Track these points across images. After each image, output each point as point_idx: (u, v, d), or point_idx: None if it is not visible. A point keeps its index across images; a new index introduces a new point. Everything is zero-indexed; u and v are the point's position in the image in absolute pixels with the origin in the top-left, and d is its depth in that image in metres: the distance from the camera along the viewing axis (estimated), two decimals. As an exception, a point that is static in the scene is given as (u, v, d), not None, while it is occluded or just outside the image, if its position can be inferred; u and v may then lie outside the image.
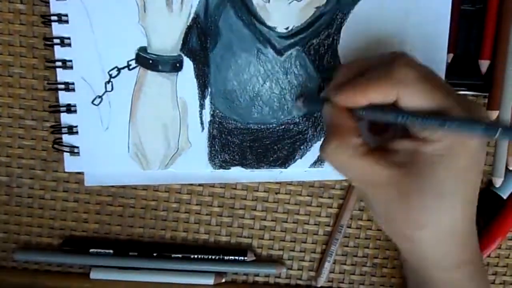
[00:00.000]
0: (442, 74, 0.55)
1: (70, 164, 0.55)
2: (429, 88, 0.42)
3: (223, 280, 0.60)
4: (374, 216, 0.49)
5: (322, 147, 0.45)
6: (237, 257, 0.59)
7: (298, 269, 0.61)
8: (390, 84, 0.42)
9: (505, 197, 0.59)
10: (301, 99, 0.53)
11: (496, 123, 0.38)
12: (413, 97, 0.42)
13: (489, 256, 0.61)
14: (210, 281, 0.59)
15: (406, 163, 0.43)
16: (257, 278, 0.61)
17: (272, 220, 0.59)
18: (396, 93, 0.42)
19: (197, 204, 0.59)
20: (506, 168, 0.57)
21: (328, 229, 0.60)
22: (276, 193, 0.59)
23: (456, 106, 0.41)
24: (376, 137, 0.50)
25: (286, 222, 0.60)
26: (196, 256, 0.59)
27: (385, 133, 0.49)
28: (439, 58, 0.55)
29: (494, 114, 0.56)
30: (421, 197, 0.43)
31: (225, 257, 0.59)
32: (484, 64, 0.56)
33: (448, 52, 0.55)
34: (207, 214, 0.59)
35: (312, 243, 0.60)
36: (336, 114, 0.45)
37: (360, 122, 0.46)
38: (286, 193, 0.59)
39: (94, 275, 0.59)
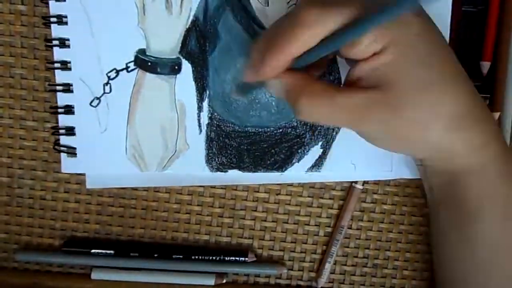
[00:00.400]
0: None
1: (68, 165, 0.56)
2: (334, 12, 0.40)
3: (224, 281, 0.60)
4: (383, 147, 0.48)
5: (295, 112, 0.44)
6: (237, 258, 0.59)
7: (299, 270, 0.61)
8: (300, 32, 0.41)
9: None
10: (234, 90, 0.54)
11: None
12: (326, 29, 0.41)
13: None
14: (211, 281, 0.59)
15: (375, 82, 0.43)
16: (258, 279, 0.61)
17: (272, 221, 0.60)
18: (312, 36, 0.41)
19: (198, 205, 0.60)
20: None
21: (329, 230, 0.60)
22: (277, 194, 0.59)
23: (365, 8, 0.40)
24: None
25: (287, 223, 0.60)
26: (197, 257, 0.59)
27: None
28: None
29: (495, 116, 0.56)
30: (407, 102, 0.43)
31: (226, 258, 0.59)
32: (486, 66, 0.56)
33: None
34: (207, 215, 0.60)
35: (313, 244, 0.61)
36: (286, 77, 0.44)
37: None
38: (286, 194, 0.60)
39: (95, 275, 0.59)
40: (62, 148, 0.56)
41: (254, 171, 0.57)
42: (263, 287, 0.62)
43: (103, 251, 0.59)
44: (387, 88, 0.42)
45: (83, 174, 0.57)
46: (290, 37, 0.42)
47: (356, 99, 0.43)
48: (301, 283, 0.62)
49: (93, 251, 0.59)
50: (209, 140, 0.56)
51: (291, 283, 0.62)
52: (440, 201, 0.53)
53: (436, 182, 0.52)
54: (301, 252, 0.61)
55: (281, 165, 0.57)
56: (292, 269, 0.61)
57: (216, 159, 0.56)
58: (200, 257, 0.59)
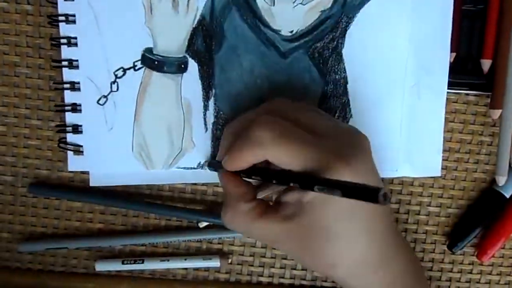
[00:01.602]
0: (445, 73, 0.58)
1: (74, 163, 0.58)
2: (285, 148, 0.45)
3: (230, 261, 0.63)
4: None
5: (221, 217, 0.51)
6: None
7: (302, 269, 0.63)
8: (250, 147, 0.46)
9: (508, 196, 0.61)
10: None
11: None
12: (273, 157, 0.46)
13: (493, 256, 0.63)
14: (217, 263, 0.62)
15: (295, 214, 0.47)
16: (261, 279, 0.63)
17: (276, 220, 0.62)
18: (262, 155, 0.46)
19: (201, 203, 0.62)
20: (510, 166, 0.59)
21: (332, 228, 0.63)
22: (280, 193, 0.62)
23: (317, 165, 0.44)
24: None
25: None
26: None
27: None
28: (441, 58, 0.58)
29: (497, 113, 0.59)
30: (319, 243, 0.47)
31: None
32: (486, 64, 0.58)
33: (451, 51, 0.58)
34: (211, 214, 0.62)
35: (316, 243, 0.63)
36: (226, 181, 0.50)
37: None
38: (289, 193, 0.62)
39: (99, 267, 0.62)
40: (68, 146, 0.58)
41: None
42: (267, 286, 0.64)
43: (107, 245, 0.62)
44: (302, 224, 0.47)
45: (87, 173, 0.59)
46: (244, 150, 0.47)
47: (274, 230, 0.48)
48: (305, 282, 0.64)
49: (97, 245, 0.62)
50: (215, 139, 0.58)
51: (294, 283, 0.64)
52: None
53: None
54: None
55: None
56: (295, 269, 0.63)
57: (222, 157, 0.58)
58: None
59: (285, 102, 0.51)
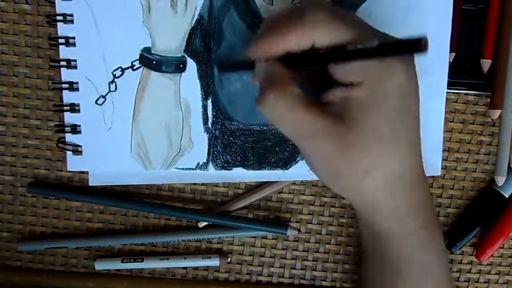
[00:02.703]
0: (444, 72, 0.57)
1: (73, 163, 0.57)
2: (339, 24, 0.43)
3: (229, 260, 0.62)
4: (320, 176, 0.49)
5: (258, 100, 0.45)
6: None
7: (302, 269, 0.63)
8: (301, 27, 0.43)
9: (507, 196, 0.60)
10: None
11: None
12: (325, 36, 0.43)
13: (492, 256, 0.62)
14: (216, 262, 0.61)
15: (341, 112, 0.44)
16: (260, 278, 0.63)
17: (275, 219, 0.62)
18: (310, 36, 0.43)
19: (200, 203, 0.61)
20: (509, 166, 0.58)
21: (331, 228, 0.62)
22: (280, 193, 0.61)
23: (367, 35, 0.43)
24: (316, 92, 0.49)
25: (289, 221, 0.62)
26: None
27: (324, 86, 0.48)
28: (441, 58, 0.57)
29: (496, 113, 0.58)
30: (360, 144, 0.44)
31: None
32: (486, 63, 0.58)
33: (450, 51, 0.57)
34: (210, 213, 0.61)
35: (315, 243, 0.62)
36: (272, 66, 0.45)
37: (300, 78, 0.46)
38: (289, 193, 0.61)
39: (99, 266, 0.61)
40: (66, 146, 0.57)
41: (258, 169, 0.58)
42: (266, 285, 0.63)
43: (107, 244, 0.61)
44: (346, 123, 0.44)
45: (86, 173, 0.59)
46: (290, 31, 0.43)
47: (315, 123, 0.44)
48: (304, 282, 0.63)
49: (96, 245, 0.61)
50: (213, 138, 0.57)
51: (294, 282, 0.63)
52: (368, 252, 0.55)
53: (365, 234, 0.54)
54: (304, 251, 0.62)
55: (285, 163, 0.58)
56: (294, 268, 0.63)
57: (221, 157, 0.58)
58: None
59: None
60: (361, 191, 0.46)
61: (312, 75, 0.49)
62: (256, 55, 0.46)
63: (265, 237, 0.62)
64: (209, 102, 0.57)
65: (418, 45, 0.37)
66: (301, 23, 0.43)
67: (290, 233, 0.60)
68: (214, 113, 0.57)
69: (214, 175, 0.58)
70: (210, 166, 0.58)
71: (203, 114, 0.57)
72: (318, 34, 0.43)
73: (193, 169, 0.58)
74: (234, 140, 0.58)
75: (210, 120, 0.57)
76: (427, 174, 0.58)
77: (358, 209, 0.50)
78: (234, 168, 0.58)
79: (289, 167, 0.59)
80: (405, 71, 0.44)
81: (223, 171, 0.58)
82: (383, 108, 0.43)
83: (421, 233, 0.50)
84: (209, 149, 0.58)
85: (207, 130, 0.57)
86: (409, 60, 0.44)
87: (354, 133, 0.43)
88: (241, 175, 0.59)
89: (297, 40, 0.43)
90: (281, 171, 0.59)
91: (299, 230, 0.61)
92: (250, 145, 0.58)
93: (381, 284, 0.53)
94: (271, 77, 0.45)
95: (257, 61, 0.46)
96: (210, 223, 0.61)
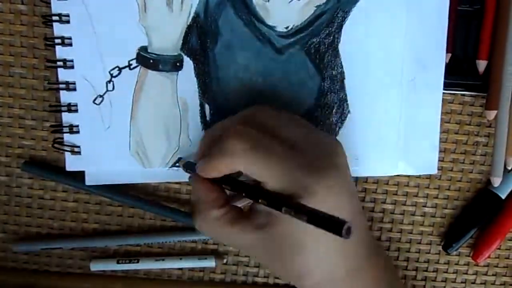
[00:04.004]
0: (441, 74, 0.57)
1: (72, 163, 0.57)
2: (255, 161, 0.45)
3: (225, 261, 0.62)
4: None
5: (192, 218, 0.50)
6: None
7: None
8: (222, 157, 0.46)
9: (503, 197, 0.60)
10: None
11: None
12: (245, 169, 0.45)
13: (489, 257, 0.62)
14: (212, 263, 0.61)
15: (266, 225, 0.46)
16: (256, 279, 0.62)
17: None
18: (232, 166, 0.46)
19: (196, 204, 0.61)
20: (505, 168, 0.58)
21: (328, 229, 0.61)
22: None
23: (289, 181, 0.44)
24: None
25: (286, 222, 0.61)
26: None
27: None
28: (437, 58, 0.57)
29: (492, 114, 0.57)
30: (288, 255, 0.46)
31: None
32: (482, 64, 0.57)
33: (446, 52, 0.56)
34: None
35: (312, 244, 0.62)
36: (197, 186, 0.49)
37: None
38: (285, 193, 0.61)
39: (94, 267, 0.61)
40: (62, 147, 0.56)
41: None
42: (262, 287, 0.63)
43: (102, 245, 0.61)
44: (269, 235, 0.46)
45: (82, 173, 0.58)
46: (216, 160, 0.47)
47: (241, 239, 0.47)
48: None
49: (92, 245, 0.61)
50: None
51: (290, 283, 0.62)
52: None
53: None
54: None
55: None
56: None
57: (219, 155, 0.57)
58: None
59: (264, 110, 0.50)
60: None
61: None
62: (200, 175, 0.49)
63: (262, 238, 0.61)
64: (207, 100, 0.56)
65: (340, 228, 0.37)
66: (221, 155, 0.46)
67: None
68: (211, 111, 0.57)
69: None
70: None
71: (200, 112, 0.57)
72: (237, 167, 0.46)
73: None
74: (232, 138, 0.57)
75: (207, 118, 0.57)
76: (424, 172, 0.59)
77: None
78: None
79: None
80: (325, 192, 0.45)
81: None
82: (302, 223, 0.42)
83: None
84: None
85: (205, 128, 0.57)
86: (328, 179, 0.46)
87: (280, 244, 0.46)
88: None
89: (224, 169, 0.47)
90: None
91: None
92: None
93: None
94: (197, 199, 0.49)
95: (193, 179, 0.51)
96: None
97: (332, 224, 0.38)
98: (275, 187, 0.45)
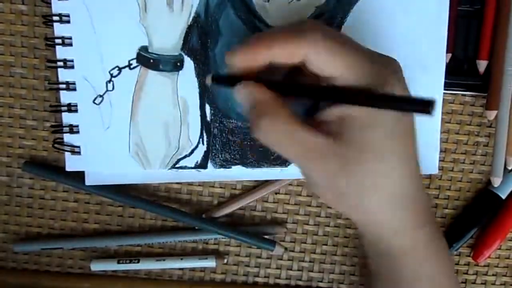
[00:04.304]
0: (441, 74, 0.56)
1: (71, 163, 0.57)
2: (338, 49, 0.41)
3: (225, 261, 0.62)
4: (322, 196, 0.48)
5: (253, 128, 0.44)
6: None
7: (298, 270, 0.62)
8: (297, 40, 0.42)
9: (504, 197, 0.60)
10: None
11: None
12: (320, 57, 0.42)
13: (489, 257, 0.62)
14: (212, 263, 0.60)
15: (339, 131, 0.43)
16: (257, 279, 0.62)
17: (271, 220, 0.61)
18: (303, 52, 0.42)
19: (197, 204, 0.60)
20: (505, 167, 0.58)
21: (328, 229, 0.61)
22: (276, 193, 0.60)
23: (368, 77, 0.41)
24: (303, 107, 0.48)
25: (286, 222, 0.61)
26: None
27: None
28: (438, 58, 0.56)
29: (492, 114, 0.57)
30: (361, 163, 0.42)
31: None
32: (482, 64, 0.57)
33: (447, 52, 0.56)
34: (207, 215, 0.61)
35: (312, 244, 0.62)
36: (252, 90, 0.44)
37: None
38: (286, 193, 0.60)
39: (95, 267, 0.60)
40: (62, 147, 0.56)
41: (257, 167, 0.57)
42: (263, 287, 0.63)
43: (103, 245, 0.61)
44: (346, 142, 0.42)
45: (82, 173, 0.58)
46: (280, 41, 0.42)
47: (314, 142, 0.43)
48: (300, 283, 0.63)
49: (92, 246, 0.61)
50: (212, 137, 0.57)
51: (290, 283, 0.63)
52: (375, 270, 0.53)
53: (370, 253, 0.53)
54: (300, 251, 0.62)
55: (284, 160, 0.57)
56: (291, 269, 0.62)
57: (220, 156, 0.57)
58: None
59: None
60: (364, 210, 0.45)
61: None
62: (238, 62, 0.45)
63: (262, 238, 0.61)
64: (207, 100, 0.56)
65: (428, 106, 0.36)
66: (297, 37, 0.42)
67: (276, 251, 0.60)
68: (212, 111, 0.56)
69: (212, 173, 0.57)
70: (209, 164, 0.57)
71: (201, 113, 0.56)
72: (312, 52, 0.42)
73: (191, 168, 0.57)
74: (233, 138, 0.57)
75: (208, 119, 0.56)
76: (425, 172, 0.59)
77: (362, 228, 0.49)
78: (233, 167, 0.57)
79: (288, 165, 0.58)
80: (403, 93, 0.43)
81: (221, 169, 0.58)
82: (382, 127, 0.42)
83: (427, 248, 0.48)
84: (207, 148, 0.57)
85: (205, 128, 0.57)
86: (402, 81, 0.44)
87: (354, 152, 0.42)
88: (240, 173, 0.58)
89: (285, 53, 0.43)
90: (280, 168, 0.58)
91: (286, 249, 0.61)
92: (248, 143, 0.57)
93: None
94: (260, 102, 0.44)
95: (244, 86, 0.45)
96: (200, 228, 0.60)
97: (420, 104, 0.37)
98: (349, 78, 0.42)
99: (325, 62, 0.42)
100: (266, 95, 0.44)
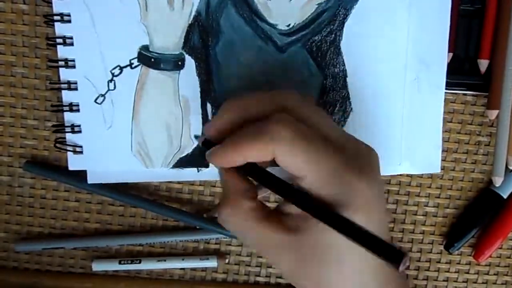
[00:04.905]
0: (443, 73, 0.56)
1: (74, 162, 0.56)
2: (302, 150, 0.41)
3: (227, 261, 0.61)
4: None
5: (218, 212, 0.45)
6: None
7: (299, 269, 0.62)
8: (263, 141, 0.41)
9: (505, 197, 0.60)
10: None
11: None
12: (283, 158, 0.41)
13: (490, 256, 0.61)
14: (214, 263, 0.60)
15: (299, 228, 0.42)
16: (258, 279, 0.62)
17: (273, 220, 0.61)
18: (271, 151, 0.41)
19: (198, 204, 0.60)
20: (506, 167, 0.57)
21: (329, 229, 0.61)
22: (277, 193, 0.60)
23: (333, 185, 0.41)
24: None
25: (287, 222, 0.61)
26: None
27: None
28: (440, 57, 0.56)
29: (494, 114, 0.57)
30: (320, 263, 0.42)
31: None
32: (483, 64, 0.57)
33: (448, 51, 0.56)
34: (208, 214, 0.61)
35: (313, 243, 0.61)
36: (227, 176, 0.45)
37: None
38: (287, 193, 0.60)
39: (96, 267, 0.60)
40: (64, 146, 0.56)
41: (258, 166, 0.57)
42: (264, 286, 0.62)
43: (104, 245, 0.61)
44: (304, 241, 0.42)
45: (84, 172, 0.58)
46: (248, 146, 0.42)
47: (271, 238, 0.43)
48: None
49: (94, 245, 0.60)
50: None
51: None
52: None
53: None
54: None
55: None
56: None
57: (221, 154, 0.56)
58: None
59: (293, 96, 0.45)
60: None
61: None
62: (215, 163, 0.45)
63: (263, 238, 0.61)
64: (208, 99, 0.56)
65: (399, 258, 0.34)
66: (263, 137, 0.41)
67: None
68: (213, 110, 0.56)
69: (214, 172, 0.57)
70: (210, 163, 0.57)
71: (202, 111, 0.56)
72: (278, 152, 0.41)
73: (193, 167, 0.57)
74: (234, 138, 0.56)
75: (209, 117, 0.56)
76: (427, 171, 0.59)
77: None
78: (234, 166, 0.57)
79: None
80: (370, 189, 0.42)
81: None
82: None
83: None
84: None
85: (207, 127, 0.56)
86: (368, 180, 0.42)
87: (312, 252, 0.42)
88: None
89: (256, 154, 0.42)
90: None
91: None
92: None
93: None
94: (226, 189, 0.45)
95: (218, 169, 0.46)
96: (202, 228, 0.60)
97: (389, 253, 0.35)
98: (313, 184, 0.41)
99: (289, 162, 0.41)
100: (234, 182, 0.44)
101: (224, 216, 0.44)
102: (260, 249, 0.45)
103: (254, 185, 0.45)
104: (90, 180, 0.57)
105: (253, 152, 0.42)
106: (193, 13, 0.54)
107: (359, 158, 0.43)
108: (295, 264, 0.43)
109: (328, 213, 0.39)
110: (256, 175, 0.44)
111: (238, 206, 0.43)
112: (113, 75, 0.55)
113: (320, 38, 0.55)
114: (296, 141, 0.41)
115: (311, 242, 0.42)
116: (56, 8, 0.54)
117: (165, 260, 0.60)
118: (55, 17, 0.54)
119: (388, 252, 0.35)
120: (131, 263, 0.60)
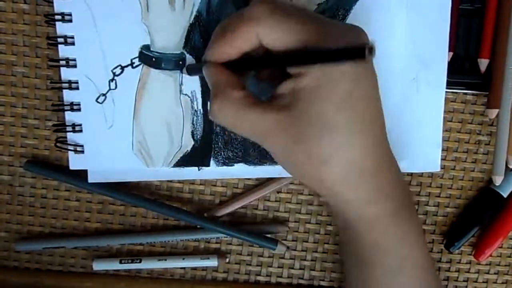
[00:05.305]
0: (443, 72, 0.56)
1: (75, 161, 0.56)
2: (284, 19, 0.42)
3: (227, 260, 0.61)
4: (287, 170, 0.47)
5: (209, 111, 0.45)
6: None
7: (300, 268, 0.62)
8: (245, 24, 0.43)
9: (505, 196, 0.60)
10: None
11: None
12: (270, 32, 0.42)
13: (491, 255, 0.61)
14: (214, 263, 0.60)
15: (290, 104, 0.43)
16: (258, 278, 0.62)
17: (273, 219, 0.61)
18: (253, 32, 0.43)
19: (199, 203, 0.60)
20: (506, 166, 0.57)
21: (330, 228, 0.61)
22: (278, 192, 0.60)
23: (318, 36, 0.41)
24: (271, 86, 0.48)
25: (288, 221, 0.61)
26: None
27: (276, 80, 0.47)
28: (440, 56, 0.56)
29: (494, 113, 0.57)
30: (311, 136, 0.42)
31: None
32: (484, 63, 0.57)
33: (448, 51, 0.56)
34: (209, 214, 0.61)
35: (314, 243, 0.61)
36: (214, 71, 0.46)
37: (248, 76, 0.49)
38: (287, 192, 0.60)
39: (97, 266, 0.60)
40: (64, 145, 0.56)
41: (259, 164, 0.57)
42: (264, 286, 0.62)
43: (105, 244, 0.60)
44: (296, 115, 0.43)
45: (85, 171, 0.58)
46: (235, 31, 0.44)
47: (264, 120, 0.44)
48: (302, 281, 0.62)
49: (94, 245, 0.60)
50: (214, 135, 0.56)
51: (292, 282, 0.62)
52: (342, 240, 0.53)
53: (337, 222, 0.53)
54: (302, 250, 0.62)
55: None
56: (293, 268, 0.62)
57: (222, 153, 0.57)
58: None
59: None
60: (322, 183, 0.45)
61: (267, 70, 0.49)
62: (211, 59, 0.46)
63: (264, 237, 0.61)
64: (209, 98, 0.55)
65: (362, 52, 0.36)
66: (242, 20, 0.43)
67: (278, 250, 0.60)
68: (214, 110, 0.56)
69: (215, 171, 0.57)
70: (212, 162, 0.57)
71: (203, 111, 0.56)
72: (260, 30, 0.43)
73: (194, 166, 0.57)
74: (235, 136, 0.57)
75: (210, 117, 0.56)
76: (427, 170, 0.59)
77: (325, 199, 0.49)
78: (235, 164, 0.57)
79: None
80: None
81: (224, 167, 0.57)
82: (332, 97, 0.42)
83: (391, 218, 0.48)
84: (210, 146, 0.57)
85: (208, 126, 0.57)
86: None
87: (306, 125, 0.42)
88: (242, 171, 0.58)
89: (243, 38, 0.44)
90: (281, 168, 0.57)
91: (287, 247, 0.61)
92: (250, 141, 0.56)
93: (356, 276, 0.52)
94: (215, 85, 0.45)
95: (205, 67, 0.47)
96: (202, 227, 0.60)
97: (352, 52, 0.36)
98: (293, 42, 0.42)
99: (274, 37, 0.43)
100: (222, 76, 0.45)
101: (216, 110, 0.45)
102: (256, 136, 0.45)
103: (240, 77, 0.46)
104: (91, 180, 0.57)
105: (240, 40, 0.44)
106: (194, 13, 0.54)
107: (345, 29, 0.44)
108: (289, 141, 0.43)
109: (296, 54, 0.42)
110: (241, 65, 0.46)
111: (228, 97, 0.44)
112: (114, 74, 0.55)
113: (321, 38, 0.55)
114: (274, 12, 0.42)
115: (305, 113, 0.42)
116: (57, 8, 0.54)
117: (165, 260, 0.60)
118: (56, 17, 0.54)
119: (350, 52, 0.37)
120: (131, 263, 0.60)
